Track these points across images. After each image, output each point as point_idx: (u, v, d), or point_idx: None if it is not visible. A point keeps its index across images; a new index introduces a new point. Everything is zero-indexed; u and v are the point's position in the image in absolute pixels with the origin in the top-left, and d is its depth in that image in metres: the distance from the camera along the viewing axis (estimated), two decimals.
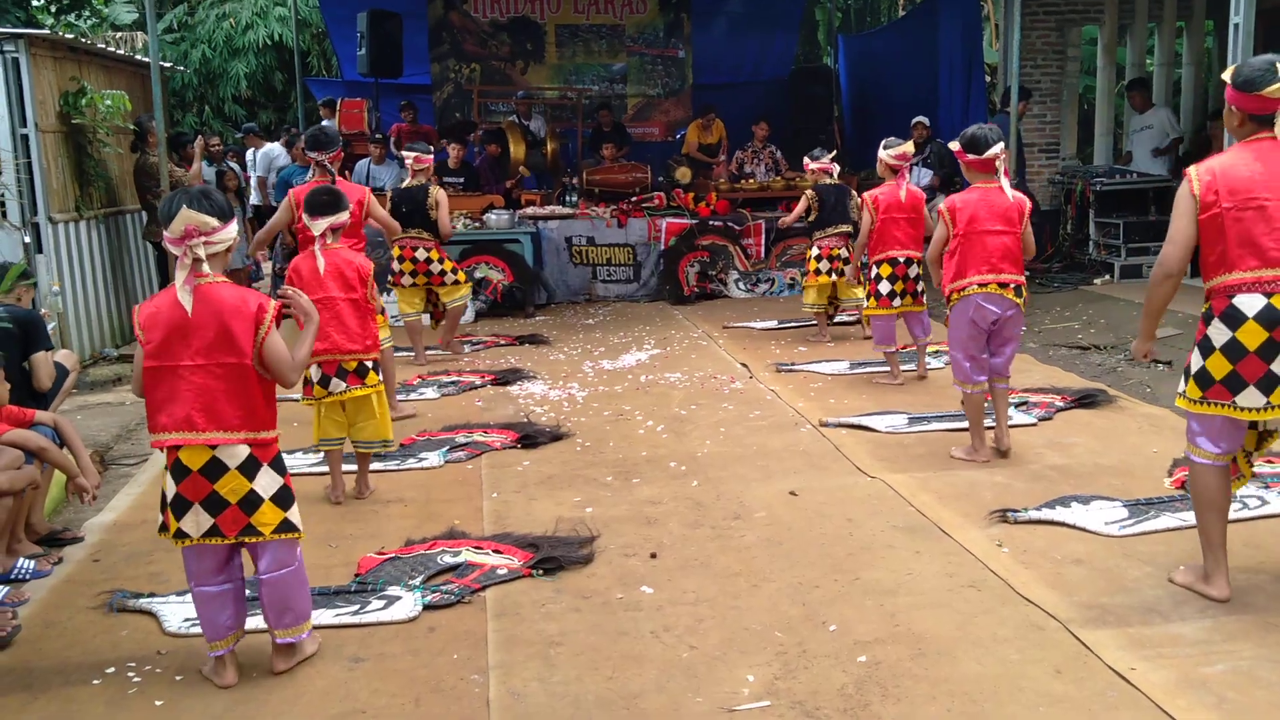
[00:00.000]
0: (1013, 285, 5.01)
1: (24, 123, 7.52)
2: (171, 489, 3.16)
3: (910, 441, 5.46)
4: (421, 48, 13.47)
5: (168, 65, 11.49)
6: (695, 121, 12.53)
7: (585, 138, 12.96)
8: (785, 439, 5.61)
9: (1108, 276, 9.59)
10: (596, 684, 3.17)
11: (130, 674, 3.32)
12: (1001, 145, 5.00)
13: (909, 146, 6.80)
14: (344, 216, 4.78)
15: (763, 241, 10.48)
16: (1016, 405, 5.92)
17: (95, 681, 3.29)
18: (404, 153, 7.67)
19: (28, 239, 7.47)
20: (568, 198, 11.23)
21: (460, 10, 13.68)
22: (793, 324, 8.76)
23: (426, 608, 3.68)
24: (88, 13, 14.14)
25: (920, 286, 6.77)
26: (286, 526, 3.23)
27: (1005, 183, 5.03)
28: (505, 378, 7.19)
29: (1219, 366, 3.42)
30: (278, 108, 17.49)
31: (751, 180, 11.31)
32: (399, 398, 6.55)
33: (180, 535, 3.18)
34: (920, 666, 3.19)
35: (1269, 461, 4.80)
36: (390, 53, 11.89)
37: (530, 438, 5.69)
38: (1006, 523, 4.28)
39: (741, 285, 10.52)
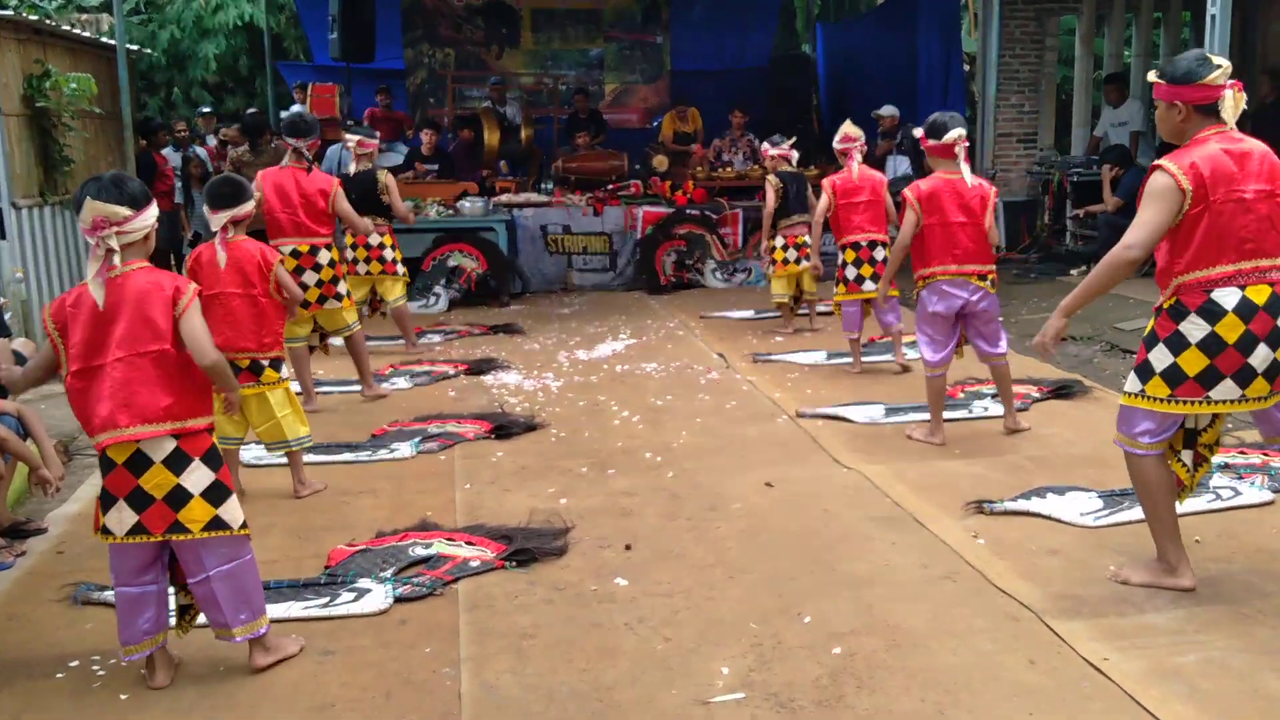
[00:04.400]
0: (975, 273, 5.08)
1: None
2: (99, 483, 3.05)
3: (887, 432, 5.46)
4: (395, 32, 13.36)
5: (135, 48, 11.34)
6: (670, 113, 12.51)
7: (561, 124, 12.89)
8: (762, 430, 5.59)
9: (1084, 267, 9.62)
10: (570, 676, 3.14)
11: (95, 667, 3.27)
12: (960, 130, 5.02)
13: (850, 128, 6.80)
14: (247, 208, 4.47)
15: (740, 231, 10.46)
16: (992, 396, 5.94)
17: (59, 675, 3.23)
18: (347, 136, 7.47)
19: None
20: (543, 185, 11.17)
21: None
22: (770, 314, 8.74)
23: (398, 600, 3.63)
24: None
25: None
26: (217, 524, 3.08)
27: (965, 169, 5.08)
28: (479, 367, 7.15)
29: (1192, 361, 3.37)
30: (247, 92, 17.28)
31: (729, 169, 11.28)
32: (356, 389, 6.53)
33: (105, 532, 3.05)
34: (895, 658, 3.18)
35: (1241, 453, 4.83)
36: (363, 37, 11.77)
37: (504, 428, 5.65)
38: (982, 514, 4.28)
39: (718, 275, 10.50)
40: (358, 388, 6.55)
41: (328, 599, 3.64)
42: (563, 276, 10.53)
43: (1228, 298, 3.32)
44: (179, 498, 3.03)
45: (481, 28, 13.81)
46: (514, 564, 3.92)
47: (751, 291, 10.11)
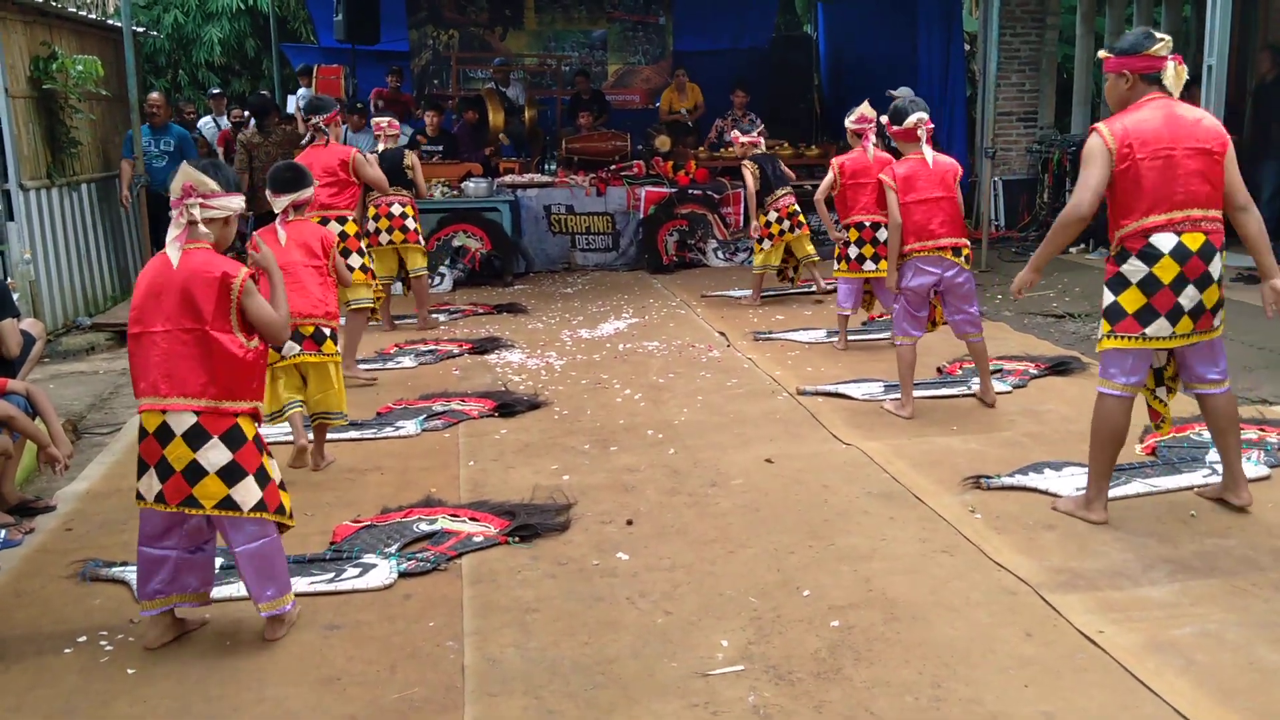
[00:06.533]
0: (950, 248, 5.24)
1: None
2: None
3: (886, 409, 5.48)
4: (399, 13, 13.34)
5: (140, 30, 11.34)
6: (669, 86, 12.54)
7: (564, 105, 12.88)
8: (762, 407, 5.63)
9: (1083, 245, 9.62)
10: (572, 649, 3.18)
11: (103, 642, 3.31)
12: (921, 115, 5.23)
13: (867, 109, 6.81)
14: (307, 193, 4.80)
15: (742, 210, 10.46)
16: (991, 373, 5.96)
17: (67, 650, 3.28)
18: (376, 120, 7.91)
19: None
20: (546, 166, 11.17)
21: None
22: (770, 292, 8.76)
23: (402, 575, 3.68)
24: None
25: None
26: (228, 504, 3.15)
27: (927, 150, 5.25)
28: (483, 346, 7.19)
29: (1131, 300, 3.73)
30: (252, 75, 17.26)
31: (731, 149, 11.26)
32: (365, 367, 6.60)
33: (138, 496, 3.20)
34: (893, 631, 3.22)
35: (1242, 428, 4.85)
36: (368, 18, 11.77)
37: (508, 406, 5.69)
38: (980, 489, 4.31)
39: (720, 254, 10.51)
40: (360, 367, 6.61)
41: (333, 574, 3.69)
42: (566, 256, 10.54)
43: (1164, 242, 3.68)
44: (195, 472, 3.13)
45: (485, 9, 13.78)
46: (517, 539, 3.96)
47: (753, 271, 10.11)
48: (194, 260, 3.14)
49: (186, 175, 3.10)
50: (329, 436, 4.99)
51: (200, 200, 3.12)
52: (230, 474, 3.15)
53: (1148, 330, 3.72)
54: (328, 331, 4.75)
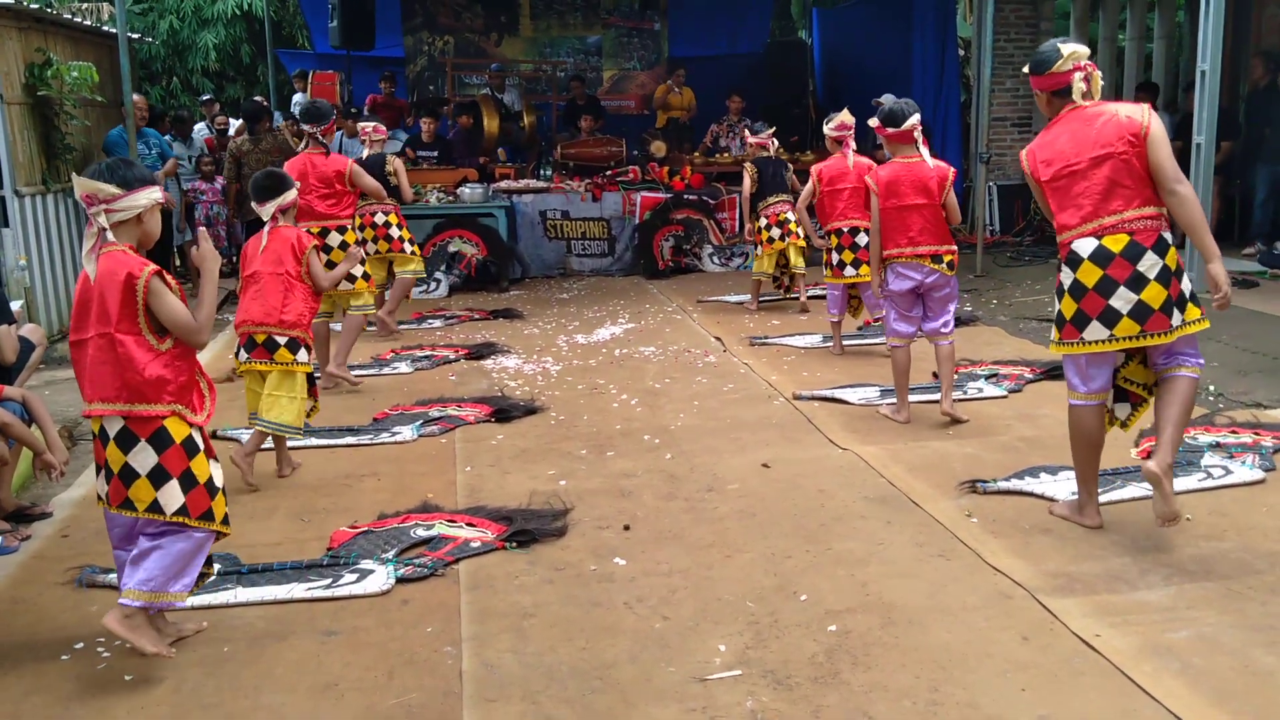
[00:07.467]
0: (930, 255, 5.18)
1: None
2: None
3: (882, 414, 5.49)
4: (395, 20, 13.37)
5: (135, 36, 11.35)
6: (664, 84, 12.62)
7: (559, 111, 12.90)
8: (758, 411, 5.63)
9: None
10: (570, 655, 3.18)
11: (100, 649, 3.30)
12: (918, 117, 5.19)
13: (846, 116, 6.83)
14: (289, 196, 4.79)
15: (737, 215, 10.48)
16: (987, 378, 5.99)
17: (64, 657, 3.27)
18: (362, 124, 7.88)
19: None
20: (542, 171, 11.18)
21: None
22: (766, 298, 8.78)
23: (399, 581, 3.68)
24: None
25: None
26: (154, 507, 3.13)
27: (925, 152, 5.22)
28: (479, 352, 7.19)
29: (1067, 307, 3.76)
30: (248, 81, 17.28)
31: (726, 154, 11.29)
32: (359, 373, 6.58)
33: (99, 496, 3.22)
34: (890, 635, 3.22)
35: (1233, 432, 4.87)
36: (363, 24, 11.79)
37: (504, 412, 5.69)
38: (976, 493, 4.32)
39: (716, 259, 10.53)
40: (361, 371, 6.62)
41: (331, 580, 3.69)
42: (562, 262, 10.56)
43: (1084, 246, 3.69)
44: (129, 475, 3.12)
45: (481, 15, 13.81)
46: (514, 545, 3.96)
47: (748, 275, 10.11)
48: (106, 265, 3.10)
49: (82, 186, 3.05)
50: (320, 442, 4.99)
51: (103, 207, 3.08)
52: (157, 477, 3.13)
53: (1084, 335, 3.71)
54: (281, 340, 4.66)
